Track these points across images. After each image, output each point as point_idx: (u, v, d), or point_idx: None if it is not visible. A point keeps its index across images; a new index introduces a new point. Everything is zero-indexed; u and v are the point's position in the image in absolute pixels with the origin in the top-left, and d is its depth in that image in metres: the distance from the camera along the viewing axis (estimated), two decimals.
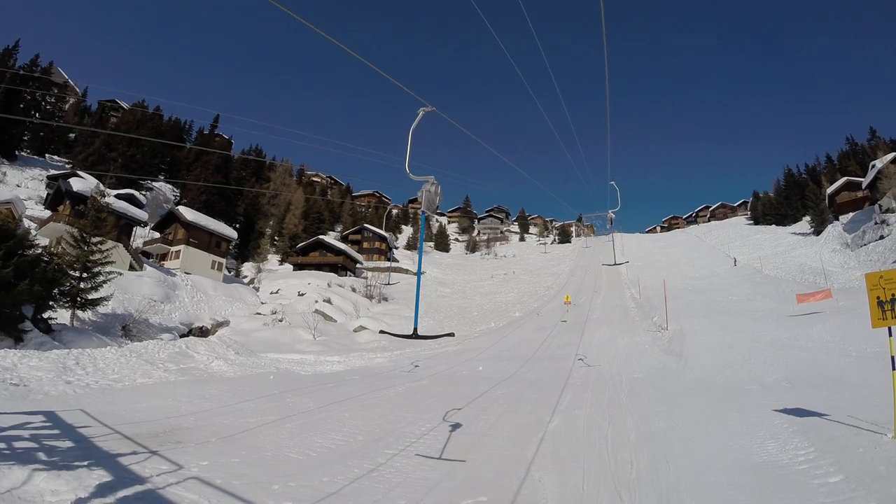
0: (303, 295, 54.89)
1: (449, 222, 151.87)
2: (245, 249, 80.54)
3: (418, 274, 9.15)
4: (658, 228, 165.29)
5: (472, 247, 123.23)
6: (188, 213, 58.69)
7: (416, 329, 7.92)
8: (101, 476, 6.98)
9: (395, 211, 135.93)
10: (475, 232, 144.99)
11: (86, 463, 7.53)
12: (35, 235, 30.80)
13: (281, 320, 45.81)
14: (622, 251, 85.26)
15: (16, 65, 72.92)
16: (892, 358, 8.45)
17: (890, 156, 68.77)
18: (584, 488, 7.60)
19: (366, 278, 68.62)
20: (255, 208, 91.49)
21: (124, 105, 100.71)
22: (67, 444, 8.79)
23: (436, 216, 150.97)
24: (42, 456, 7.83)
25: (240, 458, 8.88)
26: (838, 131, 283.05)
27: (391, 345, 39.09)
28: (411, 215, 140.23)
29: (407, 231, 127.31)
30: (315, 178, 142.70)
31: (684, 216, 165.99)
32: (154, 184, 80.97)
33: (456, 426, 12.00)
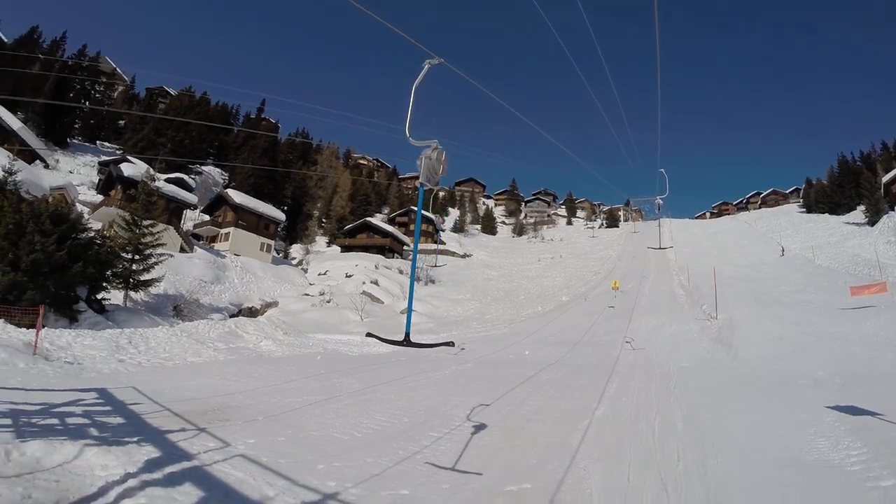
0: (350, 276, 55.22)
1: (496, 205, 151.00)
2: (293, 231, 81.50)
3: (412, 274, 7.69)
4: (707, 214, 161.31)
5: (519, 230, 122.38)
6: (237, 196, 59.57)
7: (407, 335, 6.88)
8: (149, 452, 7.05)
9: (441, 193, 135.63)
10: (522, 215, 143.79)
11: (135, 439, 7.61)
12: (88, 219, 31.47)
13: (328, 301, 46.19)
14: (671, 237, 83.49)
15: (64, 55, 75.19)
16: None
17: None
18: (630, 479, 7.39)
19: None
20: (303, 191, 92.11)
21: (172, 91, 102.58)
22: (118, 420, 8.95)
23: (482, 199, 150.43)
24: (93, 431, 7.97)
25: (286, 436, 8.88)
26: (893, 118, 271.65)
27: (437, 327, 39.05)
28: (458, 198, 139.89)
29: (454, 214, 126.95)
30: (361, 161, 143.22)
31: (734, 202, 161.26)
32: (203, 168, 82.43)
33: (501, 410, 11.88)
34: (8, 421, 8.04)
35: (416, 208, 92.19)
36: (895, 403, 10.74)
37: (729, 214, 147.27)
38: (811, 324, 26.42)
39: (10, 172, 29.65)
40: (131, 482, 5.96)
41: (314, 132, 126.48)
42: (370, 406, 11.93)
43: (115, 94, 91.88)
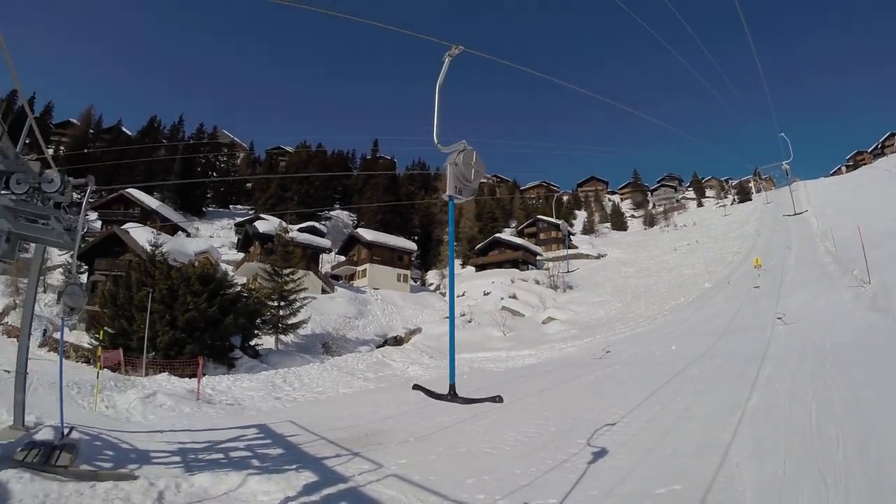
0: (488, 294, 55.29)
1: (622, 199, 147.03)
2: (426, 258, 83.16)
3: (451, 312, 5.29)
4: (843, 168, 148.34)
5: (650, 221, 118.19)
6: (367, 234, 61.69)
7: (452, 386, 5.40)
8: (307, 477, 7.39)
9: (564, 198, 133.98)
10: (650, 205, 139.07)
11: (294, 466, 7.99)
12: (233, 276, 34.01)
13: (470, 321, 46.42)
14: (807, 200, 77.72)
15: (184, 136, 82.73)
16: None
17: None
18: (785, 473, 6.80)
19: (547, 269, 67.72)
20: (429, 218, 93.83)
21: (289, 149, 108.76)
22: (278, 451, 9.42)
23: (607, 196, 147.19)
24: (255, 462, 8.46)
25: (436, 455, 8.99)
26: None
27: (581, 332, 38.34)
28: (582, 199, 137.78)
29: (581, 216, 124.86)
30: (481, 180, 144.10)
31: (869, 149, 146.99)
32: (331, 213, 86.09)
33: (649, 410, 11.38)
34: (178, 458, 8.76)
35: (543, 217, 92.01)
36: None
37: (866, 164, 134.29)
38: None
39: (156, 245, 32.90)
40: None
41: (430, 160, 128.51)
42: (517, 418, 11.82)
43: (238, 161, 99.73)
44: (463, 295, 57.05)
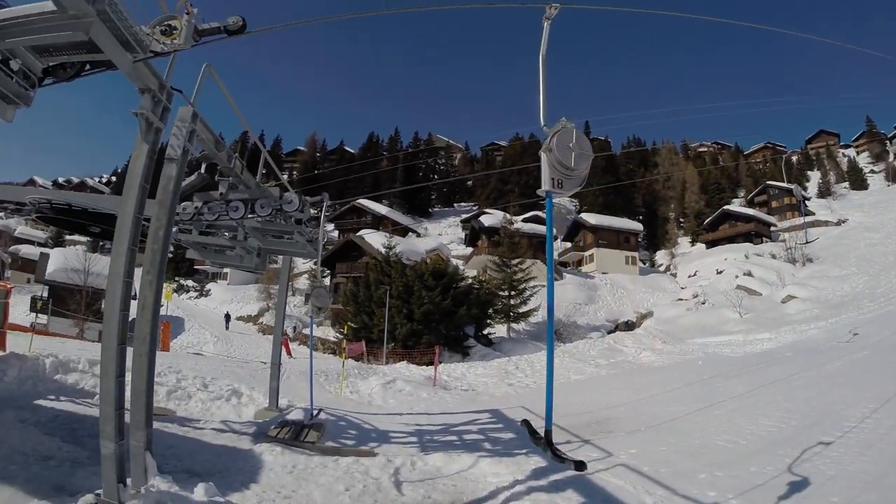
0: (721, 272, 51.84)
1: (857, 153, 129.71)
2: (653, 238, 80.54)
3: (549, 354, 5.19)
4: None
5: (893, 175, 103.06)
6: (591, 218, 61.34)
7: (548, 433, 4.57)
8: (536, 462, 7.60)
9: (794, 158, 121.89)
10: (890, 157, 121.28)
11: (524, 451, 8.22)
12: (463, 270, 35.74)
13: (703, 303, 44.18)
14: None
15: (402, 146, 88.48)
16: None
17: None
18: None
19: (783, 241, 62.22)
20: (652, 196, 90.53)
21: (503, 143, 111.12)
22: (509, 435, 9.77)
23: (839, 151, 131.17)
24: (487, 445, 8.89)
25: (667, 445, 8.74)
26: None
27: (824, 312, 34.94)
28: (813, 158, 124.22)
29: (814, 177, 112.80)
30: (701, 149, 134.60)
31: None
32: (554, 200, 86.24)
33: None
34: (414, 439, 9.53)
35: (774, 183, 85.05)
36: None
37: None
38: None
39: (389, 247, 36.77)
40: (518, 488, 6.59)
41: (645, 135, 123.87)
42: (755, 410, 11.02)
43: (456, 161, 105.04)
44: (695, 275, 54.54)
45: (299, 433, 8.76)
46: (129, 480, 4.74)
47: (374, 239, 45.79)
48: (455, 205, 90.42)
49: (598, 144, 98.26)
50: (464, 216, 76.18)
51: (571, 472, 7.05)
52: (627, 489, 6.56)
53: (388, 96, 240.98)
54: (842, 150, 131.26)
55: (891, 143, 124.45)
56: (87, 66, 5.48)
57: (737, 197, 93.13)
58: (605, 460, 7.86)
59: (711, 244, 68.63)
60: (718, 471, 7.32)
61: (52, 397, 9.75)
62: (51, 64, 5.15)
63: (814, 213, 74.79)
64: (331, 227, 63.07)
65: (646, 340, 28.48)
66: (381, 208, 68.47)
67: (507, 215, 47.96)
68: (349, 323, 31.35)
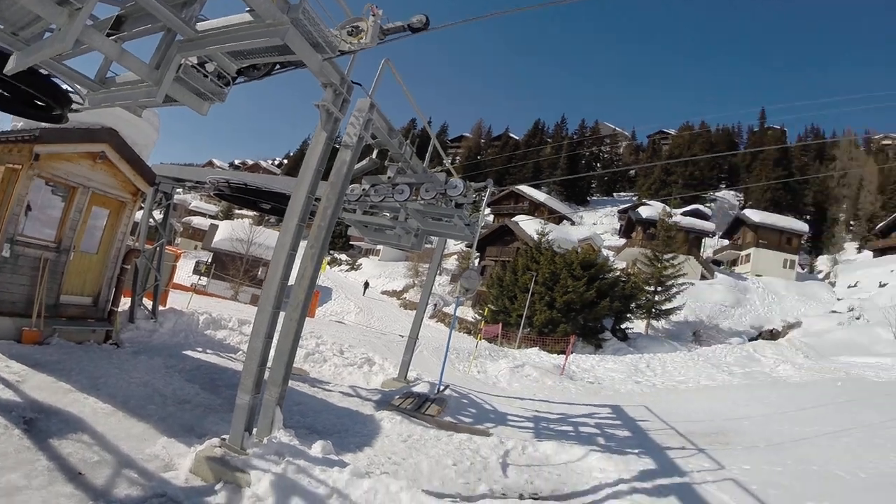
0: (884, 285, 47.57)
1: None
2: (818, 241, 74.10)
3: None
4: None
5: None
6: (754, 215, 58.05)
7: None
8: (646, 464, 7.80)
9: None
10: None
11: (636, 451, 8.50)
12: (613, 261, 35.67)
13: (858, 318, 40.71)
14: None
15: (567, 133, 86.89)
16: None
17: None
18: None
19: None
20: (824, 194, 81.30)
21: (671, 132, 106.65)
22: (624, 433, 10.03)
23: None
24: (600, 440, 9.22)
25: (783, 466, 8.49)
26: None
27: None
28: None
29: None
30: (886, 142, 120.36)
31: None
32: (717, 194, 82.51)
33: None
34: (530, 424, 10.03)
35: None
36: None
37: None
38: None
39: (542, 234, 37.08)
40: (621, 486, 6.76)
41: (825, 125, 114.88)
42: (887, 443, 10.20)
43: (622, 150, 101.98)
44: (855, 285, 50.15)
45: (421, 405, 9.51)
46: (254, 430, 5.48)
47: (529, 225, 46.08)
48: (615, 194, 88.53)
49: (773, 135, 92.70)
50: (622, 206, 74.56)
51: (678, 479, 7.33)
52: None
53: (557, 83, 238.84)
54: None
55: None
56: (277, 66, 6.27)
57: None
58: (715, 472, 7.84)
59: (881, 252, 61.25)
60: (827, 500, 7.11)
61: (200, 349, 11.22)
62: (243, 65, 5.91)
63: None
64: (487, 210, 64.12)
65: (787, 353, 27.21)
66: (538, 195, 68.36)
67: (667, 207, 46.80)
68: (490, 305, 32.24)
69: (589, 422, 10.71)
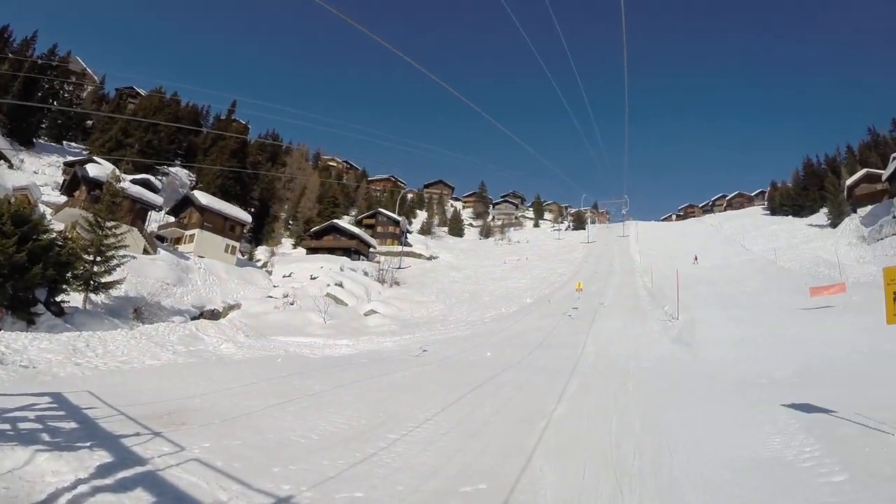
0: (315, 278, 54.71)
1: (464, 207, 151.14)
2: (259, 233, 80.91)
3: None
4: (673, 217, 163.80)
5: (487, 232, 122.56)
6: (203, 198, 59.05)
7: None
8: (102, 457, 7.04)
9: (409, 195, 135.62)
10: (490, 217, 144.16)
11: (88, 444, 7.58)
12: (50, 220, 31.34)
13: (292, 304, 45.83)
14: (636, 238, 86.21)
15: (34, 54, 74.67)
16: None
17: None
18: (585, 479, 7.50)
19: (378, 262, 68.70)
20: (271, 193, 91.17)
21: (142, 92, 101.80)
22: (72, 425, 8.93)
23: (450, 201, 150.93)
24: (46, 437, 7.93)
25: (242, 440, 8.89)
26: (861, 122, 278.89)
27: (401, 329, 39.21)
28: (426, 200, 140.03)
29: (421, 216, 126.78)
30: (331, 163, 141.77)
31: (700, 205, 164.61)
32: (170, 169, 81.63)
33: (460, 412, 11.95)
34: None
35: (384, 211, 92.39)
36: (849, 402, 10.98)
37: (694, 217, 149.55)
38: (771, 325, 27.21)
39: None
40: (82, 488, 5.93)
41: (285, 134, 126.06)
42: (329, 408, 11.92)
43: (85, 94, 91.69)
44: (290, 276, 56.41)
45: None
46: None
47: None
48: (65, 143, 77.27)
49: (236, 127, 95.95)
50: (70, 159, 66.26)
51: (141, 469, 6.82)
52: (201, 485, 6.48)
53: None
54: (452, 201, 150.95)
55: (493, 207, 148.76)
56: None
57: (349, 214, 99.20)
58: (177, 455, 7.67)
59: (313, 251, 72.18)
60: (292, 465, 7.74)
61: None
62: None
63: (411, 245, 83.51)
64: None
65: (229, 332, 28.54)
66: None
67: (118, 171, 43.76)
68: None
69: (29, 415, 9.14)
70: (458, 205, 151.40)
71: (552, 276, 66.13)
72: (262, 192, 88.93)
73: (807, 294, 33.92)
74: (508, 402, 13.15)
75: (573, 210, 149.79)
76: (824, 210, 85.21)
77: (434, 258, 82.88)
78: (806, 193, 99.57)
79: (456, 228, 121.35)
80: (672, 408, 12.25)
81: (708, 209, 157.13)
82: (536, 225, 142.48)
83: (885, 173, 69.83)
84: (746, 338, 24.51)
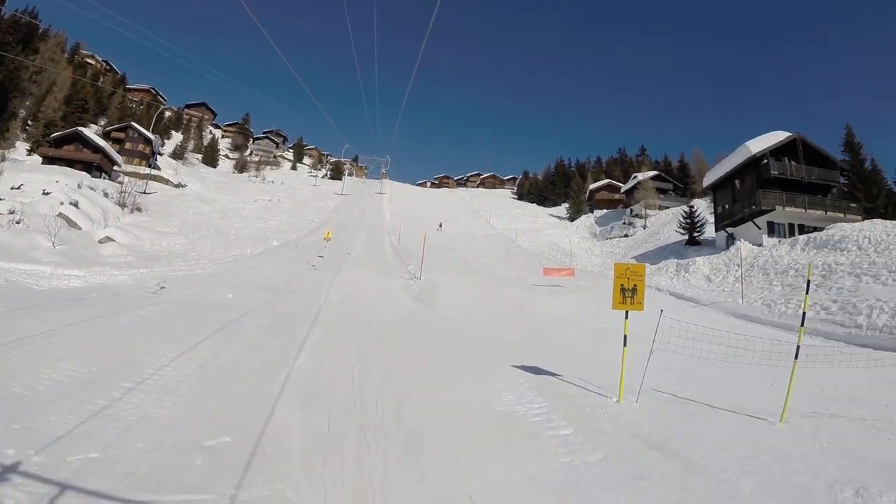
0: (48, 194, 47.94)
1: (223, 136, 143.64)
2: None
3: None
4: (428, 184, 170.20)
5: (242, 167, 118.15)
6: None
7: None
8: None
9: (168, 113, 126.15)
10: (248, 151, 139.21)
11: None
12: None
13: (18, 222, 40.90)
14: (390, 198, 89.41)
15: None
16: (625, 336, 9.68)
17: (651, 173, 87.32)
18: (330, 429, 7.73)
19: (122, 183, 62.99)
20: (13, 83, 75.74)
21: None
22: None
23: (210, 127, 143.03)
24: None
25: None
26: (613, 143, 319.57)
27: (138, 261, 37.06)
28: (185, 121, 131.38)
29: (176, 138, 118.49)
30: (89, 60, 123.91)
31: (455, 178, 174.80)
32: None
33: (200, 357, 11.48)
34: None
35: (137, 126, 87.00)
36: (572, 369, 12.53)
37: (448, 188, 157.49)
38: (506, 295, 29.78)
39: None
40: None
41: (46, 15, 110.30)
42: (55, 352, 10.43)
43: None
44: (19, 188, 49.90)
45: None
46: None
47: None
48: None
49: None
50: None
51: None
52: None
53: None
54: (213, 127, 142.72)
55: (254, 142, 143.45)
56: None
57: (97, 124, 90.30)
58: None
59: (50, 161, 63.57)
60: (16, 423, 6.68)
61: None
62: None
63: (160, 169, 78.43)
64: None
65: None
66: None
67: None
68: None
69: None
70: (218, 133, 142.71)
71: (302, 222, 66.06)
72: (3, 80, 75.69)
73: (540, 272, 38.03)
74: (251, 349, 12.83)
75: (333, 159, 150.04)
76: (566, 205, 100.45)
77: (183, 186, 78.08)
78: (553, 188, 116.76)
79: (211, 157, 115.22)
80: (411, 361, 13.07)
81: (462, 183, 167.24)
82: (294, 168, 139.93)
83: (625, 187, 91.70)
84: (483, 303, 26.55)
